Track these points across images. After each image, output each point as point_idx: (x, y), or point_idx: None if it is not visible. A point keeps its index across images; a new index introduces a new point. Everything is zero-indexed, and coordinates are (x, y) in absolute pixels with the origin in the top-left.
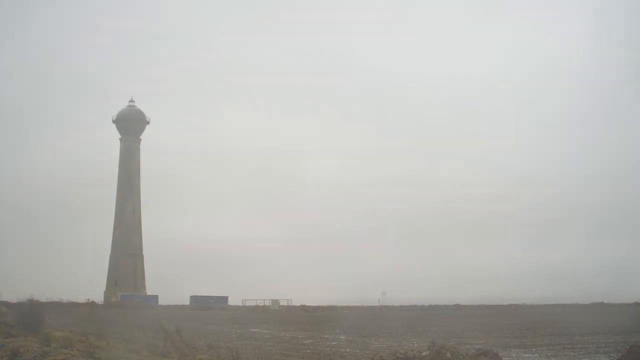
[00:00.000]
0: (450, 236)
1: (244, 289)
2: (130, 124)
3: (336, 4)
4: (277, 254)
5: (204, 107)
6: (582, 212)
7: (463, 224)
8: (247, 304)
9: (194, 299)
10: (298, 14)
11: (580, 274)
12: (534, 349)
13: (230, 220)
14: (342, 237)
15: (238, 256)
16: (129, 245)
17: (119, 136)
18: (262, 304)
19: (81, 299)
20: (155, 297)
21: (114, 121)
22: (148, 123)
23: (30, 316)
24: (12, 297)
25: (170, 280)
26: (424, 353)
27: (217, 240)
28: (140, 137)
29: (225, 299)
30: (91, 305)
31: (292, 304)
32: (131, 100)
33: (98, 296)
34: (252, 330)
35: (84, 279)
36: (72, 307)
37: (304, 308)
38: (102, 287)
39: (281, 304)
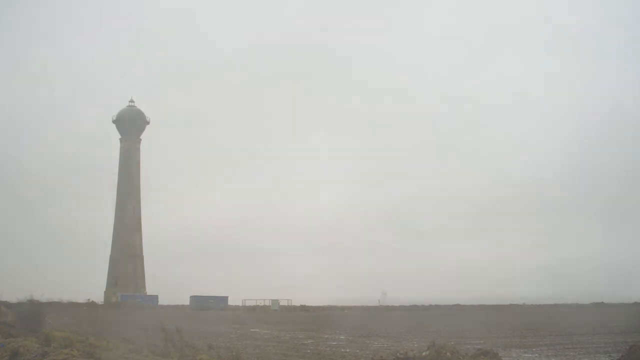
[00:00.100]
0: (450, 236)
1: (243, 289)
2: (130, 124)
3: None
4: (277, 253)
5: (205, 107)
6: (583, 212)
7: (463, 223)
8: (247, 304)
9: (194, 299)
10: (304, 17)
11: (580, 274)
12: (534, 349)
13: (230, 220)
14: (342, 237)
15: (238, 256)
16: (129, 245)
17: (119, 136)
18: (262, 304)
19: (81, 299)
20: (155, 297)
21: (114, 121)
22: (148, 123)
23: (30, 316)
24: (12, 297)
25: (170, 280)
26: (424, 353)
27: (217, 240)
28: (140, 137)
29: (225, 299)
30: (91, 305)
31: (292, 304)
32: (131, 100)
33: (98, 296)
34: (252, 330)
35: (84, 279)
36: (72, 307)
37: (304, 308)
38: (102, 287)
39: (281, 304)
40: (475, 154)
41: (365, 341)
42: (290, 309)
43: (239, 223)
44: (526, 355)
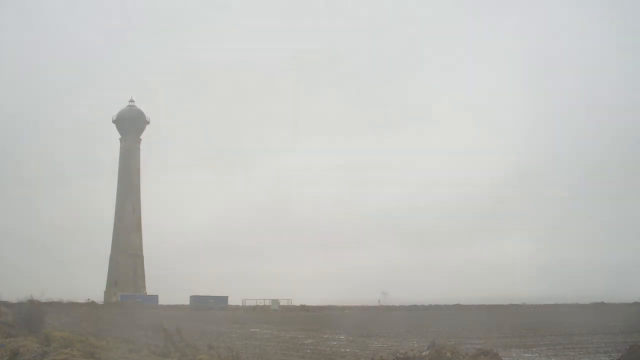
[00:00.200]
0: (450, 236)
1: (243, 289)
2: (130, 124)
3: None
4: (277, 253)
5: (205, 107)
6: (582, 212)
7: (463, 223)
8: (247, 304)
9: (194, 299)
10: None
11: (580, 274)
12: (534, 349)
13: (230, 220)
14: (342, 236)
15: (238, 256)
16: (129, 245)
17: (119, 136)
18: (262, 304)
19: (81, 299)
20: (155, 297)
21: (114, 121)
22: (148, 123)
23: (30, 316)
24: (12, 297)
25: (170, 280)
26: (424, 353)
27: (217, 240)
28: (140, 137)
29: (225, 299)
30: (91, 305)
31: (292, 304)
32: (131, 100)
33: (98, 296)
34: (252, 330)
35: (84, 279)
36: (72, 307)
37: (304, 308)
38: (102, 287)
39: (281, 304)
40: (476, 153)
41: (366, 341)
42: (290, 309)
43: (239, 223)
44: (526, 355)
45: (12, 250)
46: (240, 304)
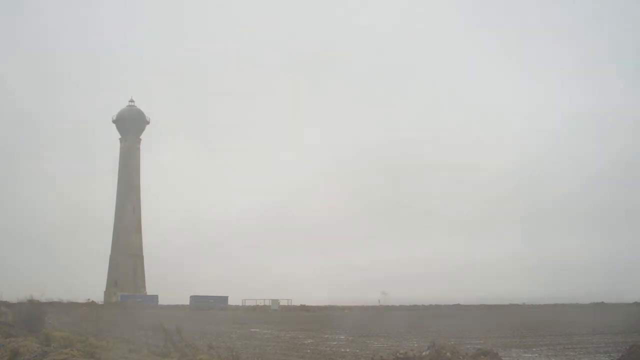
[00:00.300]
0: (450, 236)
1: (243, 289)
2: (130, 124)
3: None
4: (277, 253)
5: (205, 106)
6: (582, 212)
7: (463, 223)
8: (247, 304)
9: (194, 299)
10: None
11: (580, 273)
12: (534, 349)
13: (230, 220)
14: (342, 236)
15: (238, 256)
16: (129, 245)
17: (119, 136)
18: (262, 304)
19: (81, 299)
20: (155, 297)
21: (114, 121)
22: (148, 123)
23: (30, 316)
24: (12, 297)
25: (170, 280)
26: (424, 353)
27: (217, 240)
28: (140, 137)
29: (225, 299)
30: (91, 305)
31: (292, 304)
32: (131, 100)
33: (98, 296)
34: (252, 330)
35: (84, 279)
36: (72, 307)
37: (304, 308)
38: (102, 287)
39: (281, 304)
40: (475, 153)
41: (365, 341)
42: (290, 309)
43: (239, 223)
44: (526, 355)
45: (12, 250)
46: (240, 304)
